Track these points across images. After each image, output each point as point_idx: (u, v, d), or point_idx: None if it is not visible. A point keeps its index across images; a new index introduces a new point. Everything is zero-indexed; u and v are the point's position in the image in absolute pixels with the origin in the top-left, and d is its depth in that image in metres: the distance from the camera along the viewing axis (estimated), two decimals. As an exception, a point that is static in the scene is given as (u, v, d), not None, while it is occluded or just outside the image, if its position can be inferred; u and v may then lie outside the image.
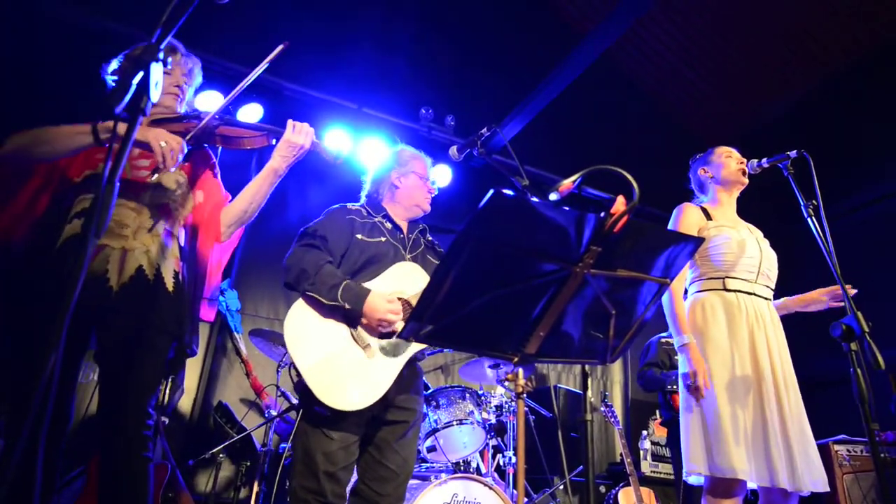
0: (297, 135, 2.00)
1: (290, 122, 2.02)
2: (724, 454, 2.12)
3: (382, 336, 2.08)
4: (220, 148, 2.09)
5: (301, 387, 2.05)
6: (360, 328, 2.07)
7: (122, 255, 1.74)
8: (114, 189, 1.20)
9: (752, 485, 2.21)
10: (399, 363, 2.07)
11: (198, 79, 2.15)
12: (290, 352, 2.02)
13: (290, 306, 2.08)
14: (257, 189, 2.00)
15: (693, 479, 2.29)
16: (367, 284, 2.12)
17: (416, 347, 2.10)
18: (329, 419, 1.99)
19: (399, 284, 2.18)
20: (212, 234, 1.92)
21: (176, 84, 2.00)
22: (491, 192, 1.03)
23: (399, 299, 2.11)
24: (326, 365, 2.00)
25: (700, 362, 2.25)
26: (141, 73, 1.33)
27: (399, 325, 2.07)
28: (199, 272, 1.89)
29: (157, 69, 1.41)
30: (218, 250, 2.02)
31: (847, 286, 2.29)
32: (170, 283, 1.80)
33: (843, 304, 2.41)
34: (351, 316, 2.05)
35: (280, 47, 1.93)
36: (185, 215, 1.93)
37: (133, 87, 1.36)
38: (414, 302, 2.12)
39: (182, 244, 1.91)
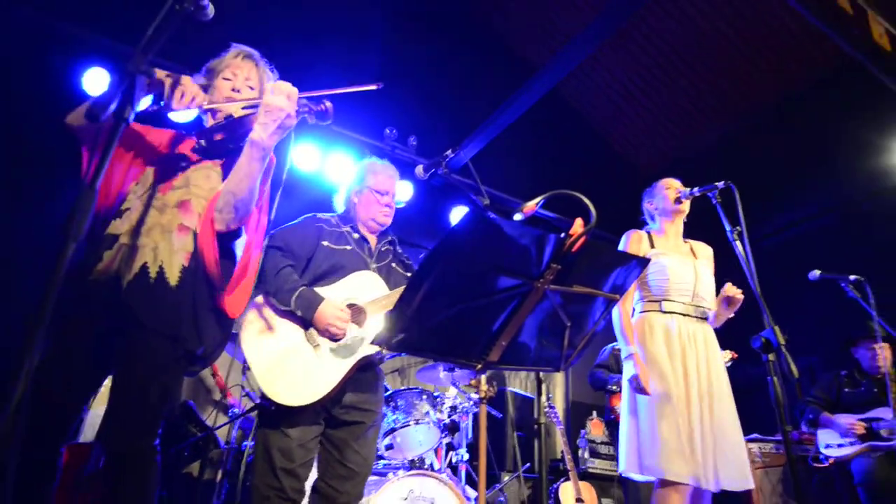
0: (275, 97, 1.63)
1: (269, 85, 1.71)
2: (655, 456, 2.22)
3: (332, 339, 2.04)
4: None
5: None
6: (312, 329, 2.03)
7: (131, 253, 1.60)
8: (93, 194, 1.14)
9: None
10: (346, 364, 2.01)
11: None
12: (242, 345, 1.98)
13: (256, 307, 2.03)
14: (240, 165, 1.70)
15: (637, 476, 2.35)
16: (323, 289, 2.08)
17: (365, 351, 2.04)
18: (284, 416, 1.95)
19: (354, 292, 2.13)
20: (208, 220, 1.70)
21: (233, 88, 1.86)
22: (469, 211, 1.03)
23: (351, 306, 2.07)
24: (274, 360, 1.97)
25: (643, 369, 2.38)
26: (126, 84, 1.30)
27: (347, 332, 2.04)
28: (203, 264, 1.67)
29: (141, 80, 1.35)
30: (213, 239, 1.73)
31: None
32: (173, 278, 1.62)
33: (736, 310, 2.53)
34: (305, 318, 2.03)
35: (372, 86, 1.72)
36: (206, 207, 1.73)
37: (118, 98, 1.31)
38: (367, 308, 2.10)
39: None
